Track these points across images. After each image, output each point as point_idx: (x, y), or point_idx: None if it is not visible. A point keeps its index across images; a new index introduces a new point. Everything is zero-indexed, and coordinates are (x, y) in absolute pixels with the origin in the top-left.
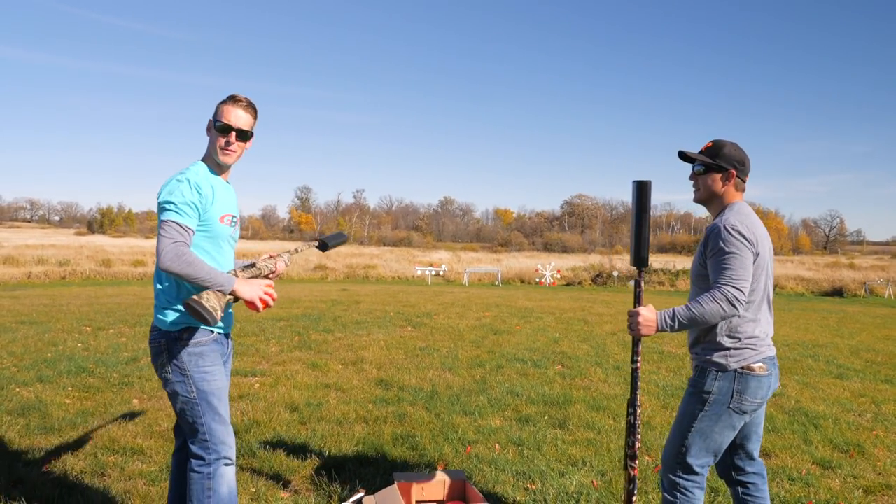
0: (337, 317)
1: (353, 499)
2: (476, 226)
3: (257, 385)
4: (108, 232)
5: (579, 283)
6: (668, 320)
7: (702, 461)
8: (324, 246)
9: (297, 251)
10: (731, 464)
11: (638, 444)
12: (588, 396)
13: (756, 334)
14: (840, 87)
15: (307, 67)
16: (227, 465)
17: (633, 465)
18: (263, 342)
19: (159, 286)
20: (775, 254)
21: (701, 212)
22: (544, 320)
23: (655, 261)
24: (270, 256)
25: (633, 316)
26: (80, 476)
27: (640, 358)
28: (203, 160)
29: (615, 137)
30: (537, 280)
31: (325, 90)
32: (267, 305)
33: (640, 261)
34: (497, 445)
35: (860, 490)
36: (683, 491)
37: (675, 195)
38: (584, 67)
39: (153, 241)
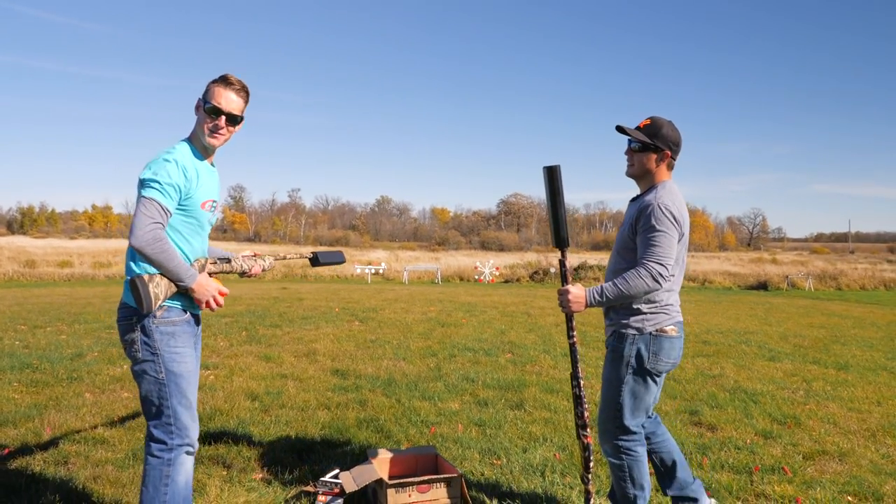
0: (282, 312)
1: (330, 475)
2: (413, 225)
3: (212, 377)
4: (29, 232)
5: (517, 280)
6: (597, 296)
7: (637, 420)
8: (315, 261)
9: (284, 258)
10: None
11: (587, 414)
12: (541, 381)
13: (671, 301)
14: (763, 90)
15: (240, 66)
16: (188, 452)
17: (585, 433)
18: (211, 337)
19: (133, 264)
20: (703, 250)
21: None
22: (489, 314)
23: (591, 258)
24: (254, 255)
25: (563, 294)
26: (44, 465)
27: (575, 333)
28: (188, 140)
29: (550, 136)
30: (476, 277)
31: (260, 88)
32: (211, 309)
33: (560, 241)
34: (460, 426)
35: (800, 456)
36: (627, 451)
37: (608, 194)
38: (517, 66)
39: (78, 243)
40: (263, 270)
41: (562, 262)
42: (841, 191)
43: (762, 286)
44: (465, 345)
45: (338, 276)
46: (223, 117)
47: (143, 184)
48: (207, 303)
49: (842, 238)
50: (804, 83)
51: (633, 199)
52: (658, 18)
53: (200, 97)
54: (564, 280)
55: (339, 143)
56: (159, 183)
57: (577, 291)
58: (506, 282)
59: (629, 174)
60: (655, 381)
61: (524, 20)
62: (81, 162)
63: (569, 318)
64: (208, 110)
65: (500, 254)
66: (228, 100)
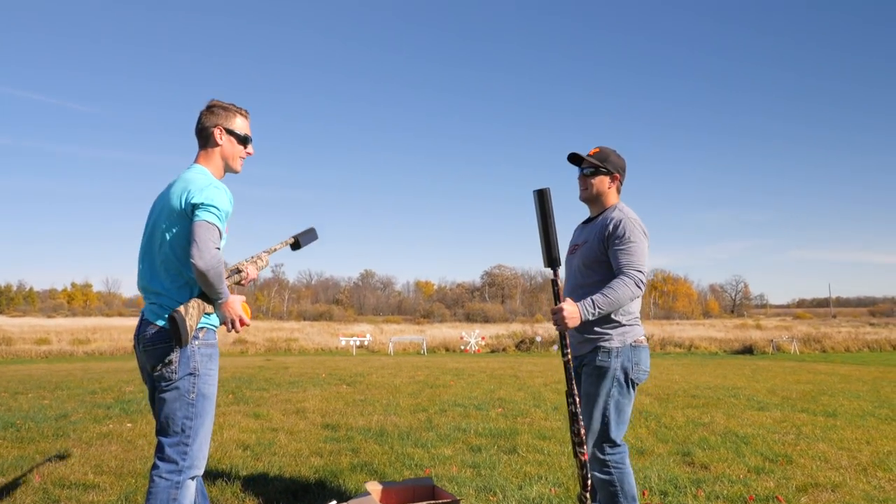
0: (268, 378)
1: None
2: (397, 298)
3: None
4: (5, 311)
5: (503, 349)
6: (590, 308)
7: (621, 432)
8: (297, 245)
9: (273, 250)
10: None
11: (583, 431)
12: (533, 430)
13: (637, 313)
14: (739, 160)
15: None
16: (194, 477)
17: (581, 450)
18: None
19: (168, 283)
20: (687, 318)
21: None
22: (477, 377)
23: None
24: (252, 259)
25: (557, 312)
26: None
27: (569, 351)
28: (203, 163)
29: (531, 209)
30: (462, 347)
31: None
32: (236, 331)
33: (552, 261)
34: (454, 467)
35: (793, 487)
36: (616, 464)
37: None
38: (496, 141)
39: (56, 321)
40: (258, 271)
41: (554, 282)
42: (819, 256)
43: (748, 350)
44: (454, 401)
45: (322, 349)
46: (251, 143)
47: (201, 207)
48: (232, 322)
49: (823, 303)
50: (777, 154)
51: (586, 222)
52: (635, 89)
53: (219, 126)
54: (557, 298)
55: (322, 216)
56: (217, 209)
57: (570, 308)
58: (492, 351)
59: (583, 198)
60: (633, 393)
61: (500, 95)
62: (61, 240)
63: (562, 336)
64: (243, 139)
65: (486, 325)
66: (248, 127)
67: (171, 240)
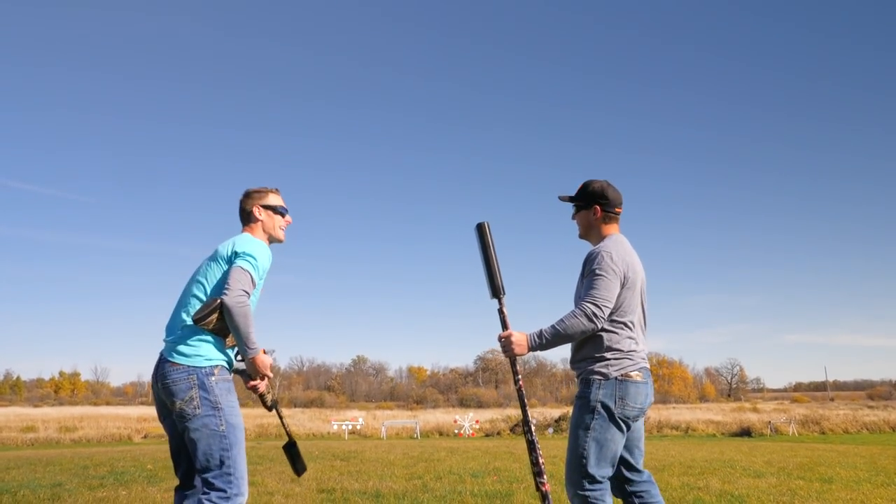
0: (261, 455)
1: None
2: (390, 384)
3: None
4: None
5: (498, 433)
6: (537, 339)
7: (602, 470)
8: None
9: (280, 420)
10: (622, 478)
11: (542, 460)
12: (530, 491)
13: (632, 348)
14: (726, 243)
15: (220, 226)
16: (241, 501)
17: (541, 480)
18: None
19: (190, 322)
20: (683, 402)
21: None
22: (472, 453)
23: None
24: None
25: (505, 338)
26: None
27: (520, 378)
28: (248, 234)
29: (529, 287)
30: (456, 431)
31: None
32: (258, 391)
33: (496, 290)
34: None
35: None
36: (594, 500)
37: None
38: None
39: (43, 410)
40: (261, 396)
41: (499, 310)
42: (813, 340)
43: (745, 433)
44: (450, 471)
45: (314, 434)
46: (289, 214)
47: (240, 256)
48: (262, 377)
49: (820, 387)
50: (766, 238)
51: None
52: (625, 168)
53: (255, 205)
54: (504, 326)
55: (313, 303)
56: (255, 259)
57: (518, 336)
58: (486, 435)
59: (579, 237)
60: (622, 430)
61: (493, 179)
62: (49, 327)
63: (513, 363)
64: (282, 211)
65: (480, 410)
66: (282, 201)
67: (204, 280)
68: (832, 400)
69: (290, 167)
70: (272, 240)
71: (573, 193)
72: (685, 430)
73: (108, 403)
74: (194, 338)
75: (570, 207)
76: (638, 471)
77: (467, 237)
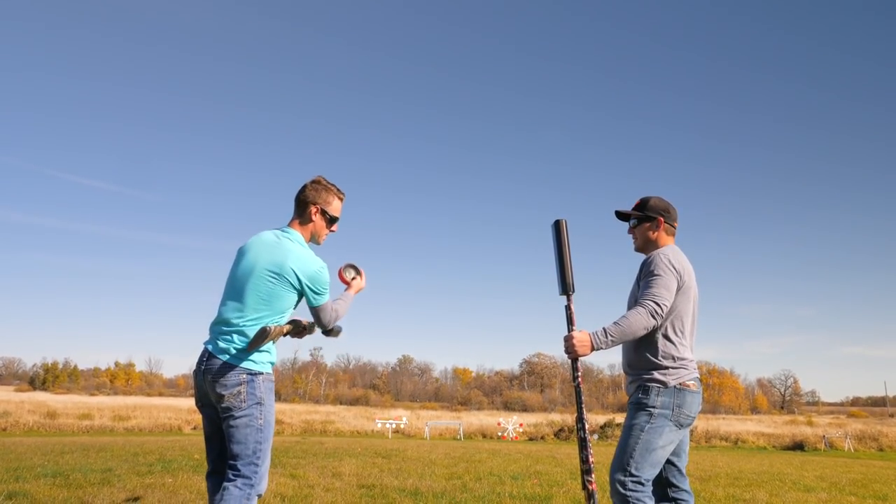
0: (305, 450)
1: None
2: (434, 385)
3: None
4: (50, 389)
5: (542, 437)
6: (602, 337)
7: (646, 472)
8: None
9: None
10: (666, 482)
11: (592, 459)
12: (569, 496)
13: (686, 356)
14: (780, 252)
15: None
16: (258, 497)
17: (589, 479)
18: None
19: (251, 316)
20: (734, 413)
21: None
22: (514, 456)
23: (619, 417)
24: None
25: (568, 339)
26: None
27: (580, 375)
28: (298, 230)
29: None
30: (500, 434)
31: None
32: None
33: (566, 287)
34: None
35: None
36: (633, 501)
37: None
38: (539, 227)
39: (98, 399)
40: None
41: (567, 308)
42: (872, 353)
43: (798, 446)
44: (490, 472)
45: (358, 432)
46: (336, 224)
47: (319, 294)
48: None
49: (879, 402)
50: (824, 248)
51: None
52: (677, 189)
53: (315, 202)
54: (570, 325)
55: (361, 301)
56: (327, 290)
57: (581, 336)
58: (530, 439)
59: (636, 249)
60: (672, 437)
61: (544, 183)
62: (107, 319)
63: (574, 362)
64: (330, 220)
65: (524, 414)
66: (340, 210)
67: (269, 290)
68: (892, 416)
69: (348, 157)
70: (313, 240)
71: (629, 209)
72: (734, 441)
73: (160, 394)
74: (247, 332)
75: (614, 220)
76: (683, 476)
77: (519, 240)
